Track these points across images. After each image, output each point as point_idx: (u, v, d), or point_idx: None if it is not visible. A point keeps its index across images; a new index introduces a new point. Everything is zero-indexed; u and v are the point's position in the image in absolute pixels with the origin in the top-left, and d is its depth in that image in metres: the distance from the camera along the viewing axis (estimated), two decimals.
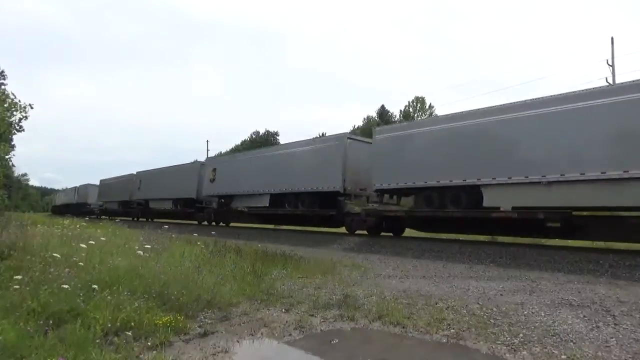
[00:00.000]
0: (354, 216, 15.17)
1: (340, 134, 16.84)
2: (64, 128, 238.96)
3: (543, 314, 4.81)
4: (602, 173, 9.03)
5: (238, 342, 3.95)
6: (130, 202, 33.14)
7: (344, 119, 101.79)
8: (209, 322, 4.45)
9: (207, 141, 78.18)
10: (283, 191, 18.00)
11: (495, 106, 11.27)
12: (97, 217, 36.19)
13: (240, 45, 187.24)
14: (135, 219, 30.79)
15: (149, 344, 3.63)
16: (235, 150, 61.71)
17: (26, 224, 9.99)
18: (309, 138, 17.85)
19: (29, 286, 4.26)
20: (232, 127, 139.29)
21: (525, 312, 4.90)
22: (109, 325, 3.75)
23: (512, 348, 3.72)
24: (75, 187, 49.02)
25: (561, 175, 9.62)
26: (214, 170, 22.61)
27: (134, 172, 33.75)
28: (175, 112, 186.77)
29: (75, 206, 45.80)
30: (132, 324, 3.87)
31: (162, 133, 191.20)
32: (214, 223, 23.28)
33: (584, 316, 4.73)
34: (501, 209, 10.70)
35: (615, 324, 4.40)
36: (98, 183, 43.53)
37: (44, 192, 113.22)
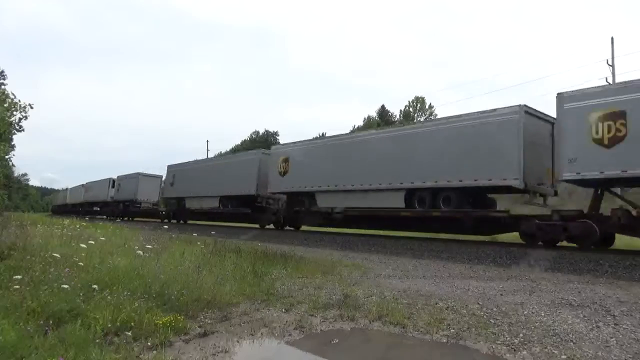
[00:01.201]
0: None
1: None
2: (64, 128, 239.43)
3: (543, 314, 4.81)
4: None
5: (238, 342, 3.95)
6: (255, 198, 19.77)
7: (344, 119, 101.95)
8: (209, 322, 4.45)
9: (207, 141, 78.36)
10: None
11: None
12: (165, 221, 25.01)
13: (240, 45, 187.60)
14: (279, 227, 19.45)
15: (149, 344, 3.62)
16: (235, 150, 61.48)
17: (26, 224, 10.00)
18: None
19: (29, 286, 4.26)
20: (232, 127, 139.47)
21: (525, 312, 4.90)
22: (109, 325, 3.74)
23: (512, 348, 3.72)
24: (110, 178, 36.10)
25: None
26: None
27: (258, 150, 21.77)
28: (175, 112, 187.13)
29: (111, 205, 34.96)
30: (132, 324, 3.86)
31: (162, 133, 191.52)
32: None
33: (584, 316, 4.73)
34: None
35: (615, 324, 4.40)
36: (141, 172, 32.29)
37: (44, 192, 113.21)
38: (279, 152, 18.74)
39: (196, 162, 26.69)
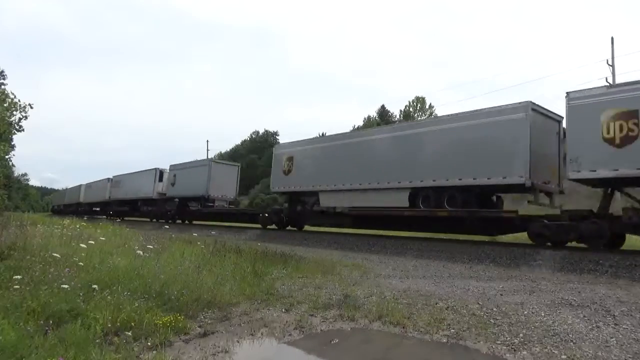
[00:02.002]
0: None
1: None
2: (64, 128, 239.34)
3: (543, 314, 4.81)
4: None
5: (238, 342, 3.95)
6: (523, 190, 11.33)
7: (344, 119, 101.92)
8: (209, 322, 4.45)
9: (207, 141, 78.32)
10: None
11: None
12: (270, 227, 18.25)
13: (240, 45, 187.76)
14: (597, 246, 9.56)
15: (149, 344, 3.62)
16: (235, 149, 61.29)
17: (26, 224, 9.99)
18: None
19: (29, 286, 4.26)
20: (232, 127, 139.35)
21: (525, 312, 4.90)
22: (109, 325, 3.75)
23: (512, 348, 3.72)
24: (156, 169, 27.61)
25: None
26: None
27: (523, 102, 11.25)
28: (175, 112, 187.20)
29: (159, 204, 26.84)
30: (132, 324, 3.87)
31: (162, 133, 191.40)
32: None
33: (584, 316, 4.73)
34: None
35: (615, 324, 4.40)
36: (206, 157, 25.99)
37: (44, 192, 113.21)
38: (599, 102, 9.52)
39: (339, 135, 16.61)
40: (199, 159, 28.94)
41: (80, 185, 44.88)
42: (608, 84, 13.53)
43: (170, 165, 26.92)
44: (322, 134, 47.20)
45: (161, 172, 27.39)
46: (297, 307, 5.14)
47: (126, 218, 30.65)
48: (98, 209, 37.07)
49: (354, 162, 14.75)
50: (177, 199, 25.41)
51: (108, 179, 36.31)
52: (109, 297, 4.32)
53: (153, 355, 3.39)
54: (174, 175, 25.79)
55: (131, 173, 31.92)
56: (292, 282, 6.77)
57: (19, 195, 75.24)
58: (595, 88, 9.97)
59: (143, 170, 29.88)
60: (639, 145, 8.81)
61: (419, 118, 49.37)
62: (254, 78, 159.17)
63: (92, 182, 41.73)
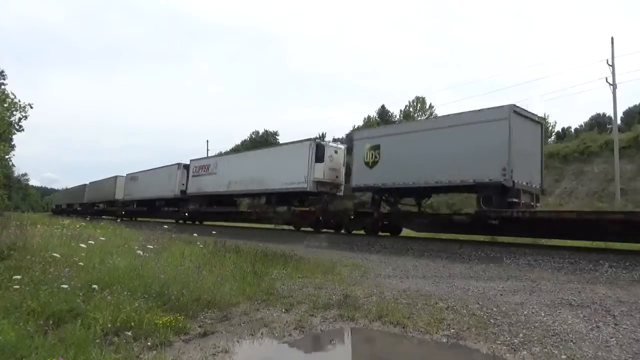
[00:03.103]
0: None
1: None
2: (64, 128, 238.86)
3: (543, 314, 4.81)
4: None
5: (238, 342, 3.95)
6: None
7: (345, 119, 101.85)
8: (209, 322, 4.45)
9: (207, 141, 78.34)
10: None
11: None
12: None
13: (240, 46, 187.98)
14: None
15: (149, 344, 3.62)
16: (236, 150, 61.34)
17: (26, 224, 9.99)
18: None
19: (29, 286, 4.27)
20: (232, 127, 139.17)
21: (525, 312, 4.90)
22: (109, 325, 3.75)
23: (512, 348, 3.72)
24: (310, 141, 16.60)
25: None
26: None
27: None
28: (175, 112, 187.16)
29: (314, 201, 16.43)
30: (132, 324, 3.87)
31: (162, 133, 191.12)
32: None
33: (584, 316, 4.73)
34: None
35: (615, 324, 4.40)
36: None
37: (44, 192, 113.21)
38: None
39: None
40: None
41: (115, 177, 34.85)
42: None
43: (356, 133, 16.31)
44: (323, 133, 47.09)
45: (317, 147, 16.40)
46: (297, 307, 5.14)
47: (208, 223, 22.20)
48: (145, 208, 28.58)
49: None
50: (379, 193, 14.48)
51: (179, 164, 25.10)
52: (109, 297, 4.32)
53: (153, 355, 3.39)
54: (375, 149, 14.18)
55: (245, 152, 20.81)
56: (292, 282, 6.77)
57: (19, 195, 75.26)
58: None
59: (279, 146, 18.91)
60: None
61: (419, 118, 49.34)
62: (253, 78, 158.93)
63: (139, 172, 30.83)
